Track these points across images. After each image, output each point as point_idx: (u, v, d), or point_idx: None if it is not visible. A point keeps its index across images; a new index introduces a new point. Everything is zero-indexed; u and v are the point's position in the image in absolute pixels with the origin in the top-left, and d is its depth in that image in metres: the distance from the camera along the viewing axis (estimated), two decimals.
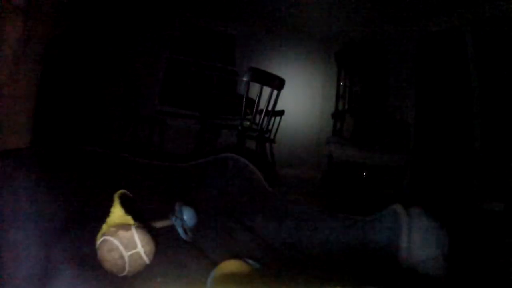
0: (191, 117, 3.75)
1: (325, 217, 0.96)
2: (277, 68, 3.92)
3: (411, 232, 0.75)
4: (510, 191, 2.44)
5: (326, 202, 2.55)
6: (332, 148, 3.26)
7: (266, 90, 2.34)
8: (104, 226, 0.73)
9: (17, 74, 1.29)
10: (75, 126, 2.95)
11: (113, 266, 0.66)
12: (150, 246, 0.71)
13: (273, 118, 2.64)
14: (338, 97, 3.70)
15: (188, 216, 1.03)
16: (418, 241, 0.75)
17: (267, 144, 2.80)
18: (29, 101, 1.41)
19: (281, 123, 2.96)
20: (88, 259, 0.72)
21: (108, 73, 3.79)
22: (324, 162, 3.70)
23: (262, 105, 2.41)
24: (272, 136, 2.81)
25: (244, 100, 2.26)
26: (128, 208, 0.77)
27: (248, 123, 2.41)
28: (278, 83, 2.37)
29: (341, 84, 3.79)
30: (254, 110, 2.40)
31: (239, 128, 2.34)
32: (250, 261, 0.74)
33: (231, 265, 0.70)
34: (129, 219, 0.74)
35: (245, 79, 2.26)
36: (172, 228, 0.98)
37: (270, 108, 2.40)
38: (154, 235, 0.76)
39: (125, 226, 0.70)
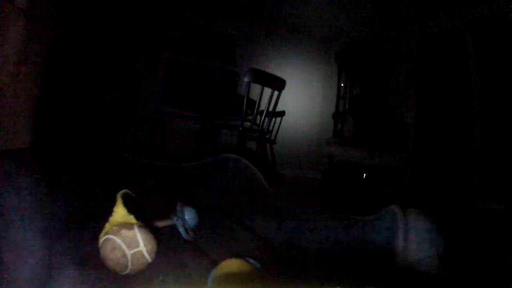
0: (192, 117, 3.75)
1: (324, 217, 0.96)
2: (277, 69, 3.92)
3: (408, 233, 0.77)
4: (510, 191, 2.45)
5: (326, 202, 2.56)
6: (333, 149, 3.27)
7: (267, 90, 2.34)
8: (107, 225, 0.74)
9: (18, 75, 1.29)
10: (76, 126, 2.96)
11: (116, 265, 0.67)
12: (152, 245, 0.72)
13: (273, 119, 2.64)
14: (338, 97, 3.70)
15: (189, 216, 1.04)
16: (414, 241, 0.77)
17: (268, 145, 2.80)
18: (30, 101, 1.41)
19: (281, 123, 2.96)
20: (89, 258, 0.73)
21: (108, 73, 3.80)
22: (325, 163, 3.70)
23: (263, 106, 2.41)
24: (272, 137, 2.81)
25: (245, 101, 2.26)
26: (130, 207, 0.77)
27: (249, 124, 2.41)
28: (278, 84, 2.37)
29: (342, 84, 3.79)
30: (255, 111, 2.41)
31: (240, 128, 2.34)
32: (251, 260, 0.74)
33: (231, 264, 0.70)
34: (131, 219, 0.74)
35: (245, 80, 2.27)
36: (173, 227, 0.99)
37: (270, 109, 2.40)
38: (156, 234, 0.76)
39: (127, 225, 0.71)
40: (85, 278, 0.67)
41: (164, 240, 0.86)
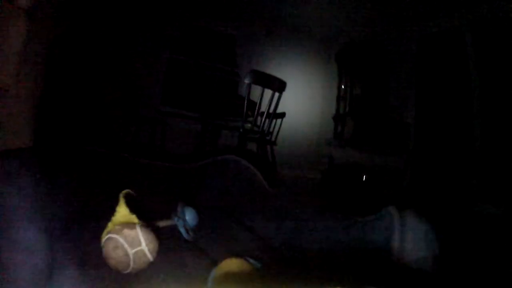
0: (192, 118, 3.76)
1: (324, 217, 0.97)
2: (277, 69, 3.93)
3: (404, 233, 0.79)
4: (509, 193, 2.45)
5: (326, 202, 2.56)
6: (333, 150, 3.28)
7: (267, 92, 2.35)
8: (109, 224, 0.75)
9: (19, 75, 1.30)
10: (76, 126, 2.96)
11: (118, 263, 0.68)
12: (154, 244, 0.72)
13: (274, 120, 2.65)
14: (339, 99, 3.71)
15: (189, 216, 1.05)
16: (410, 241, 0.79)
17: (268, 146, 2.80)
18: (31, 101, 1.42)
19: (281, 124, 2.97)
20: (89, 258, 0.73)
21: (109, 73, 3.80)
22: (325, 163, 3.71)
23: (264, 107, 2.42)
24: (273, 138, 2.82)
25: (245, 102, 2.27)
26: (132, 207, 0.78)
27: (249, 125, 2.41)
28: (279, 86, 2.38)
29: (342, 86, 3.80)
30: (256, 112, 2.41)
31: (241, 130, 2.34)
32: (251, 260, 0.75)
33: (232, 264, 0.71)
34: (133, 218, 0.75)
35: (246, 81, 2.27)
36: (173, 227, 0.99)
37: (271, 110, 2.41)
38: (157, 234, 0.77)
39: (130, 225, 0.71)
40: (85, 278, 0.67)
41: (165, 240, 0.86)
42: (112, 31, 3.80)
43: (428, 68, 3.57)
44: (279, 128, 2.92)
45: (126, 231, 0.70)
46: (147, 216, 0.89)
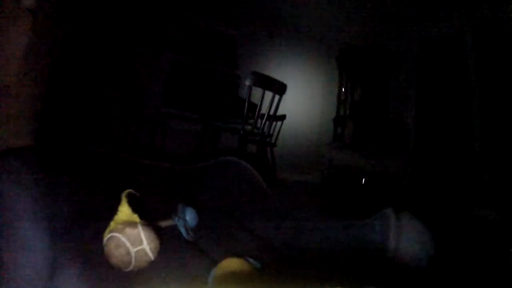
0: (193, 119, 3.77)
1: (323, 218, 0.98)
2: (278, 71, 3.94)
3: (399, 234, 0.81)
4: (508, 197, 2.46)
5: (325, 205, 2.57)
6: (333, 152, 3.29)
7: (268, 94, 2.36)
8: (112, 223, 0.76)
9: (24, 75, 1.31)
10: (77, 126, 2.97)
11: (120, 262, 0.69)
12: (155, 244, 0.74)
13: (274, 123, 2.66)
14: (339, 101, 3.73)
15: (190, 216, 1.06)
16: (405, 242, 0.81)
17: (268, 148, 2.81)
18: (33, 101, 1.43)
19: (281, 127, 2.98)
20: (90, 258, 0.74)
21: (109, 73, 3.81)
22: (324, 166, 3.72)
23: (264, 109, 2.43)
24: (273, 140, 2.83)
25: (246, 104, 2.28)
26: (134, 207, 0.79)
27: (249, 127, 2.42)
28: (280, 88, 2.39)
29: (343, 89, 3.82)
30: (256, 114, 2.42)
31: (241, 132, 2.35)
32: (251, 260, 0.75)
33: (232, 263, 0.72)
34: (135, 217, 0.76)
35: (247, 83, 2.29)
36: (173, 227, 1.00)
37: (271, 112, 2.42)
38: (159, 233, 0.78)
39: (132, 224, 0.73)
40: (86, 277, 0.68)
41: (165, 239, 0.87)
42: (113, 31, 3.81)
43: (428, 70, 3.59)
44: (279, 130, 2.93)
45: (128, 230, 0.71)
46: (148, 216, 0.90)
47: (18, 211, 0.78)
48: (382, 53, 4.01)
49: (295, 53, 4.65)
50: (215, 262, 0.77)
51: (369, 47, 4.13)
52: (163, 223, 0.98)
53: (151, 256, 0.73)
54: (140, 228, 0.72)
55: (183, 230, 0.99)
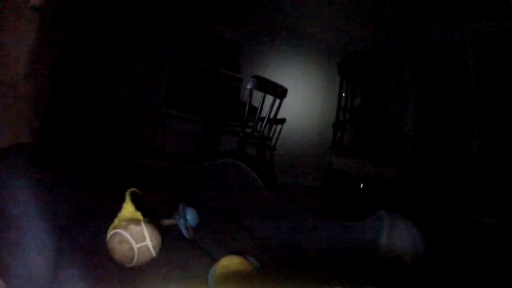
0: (193, 121, 3.78)
1: (321, 219, 1.00)
2: (278, 73, 3.98)
3: (391, 234, 0.84)
4: (504, 205, 2.48)
5: (324, 208, 2.58)
6: (332, 158, 3.31)
7: (269, 97, 2.38)
8: (116, 220, 0.78)
9: (30, 74, 1.32)
10: (79, 125, 2.98)
11: (123, 257, 0.70)
12: (157, 241, 0.75)
13: (274, 126, 2.68)
14: (339, 107, 3.75)
15: (191, 216, 1.08)
16: (396, 240, 0.85)
17: (267, 151, 2.83)
18: (38, 100, 1.44)
19: (281, 130, 3.00)
20: (91, 257, 0.74)
21: (111, 73, 3.83)
22: (323, 170, 3.73)
23: (264, 113, 2.45)
24: (272, 144, 2.85)
25: (246, 107, 2.30)
26: (137, 205, 0.81)
27: (250, 130, 2.44)
28: (280, 92, 2.41)
29: (343, 94, 3.84)
30: (256, 118, 2.44)
31: (241, 134, 2.37)
32: (250, 259, 0.77)
33: (231, 261, 0.73)
34: (139, 215, 0.78)
35: (248, 87, 2.31)
36: (175, 226, 1.02)
37: (272, 116, 2.44)
38: (161, 231, 0.80)
39: (135, 221, 0.74)
40: (87, 276, 0.68)
41: (167, 237, 0.88)
42: (117, 32, 3.84)
43: (428, 78, 3.62)
44: (279, 134, 2.95)
45: (132, 227, 0.73)
46: (150, 214, 0.91)
47: (19, 211, 0.78)
48: (383, 59, 4.05)
49: (296, 56, 4.68)
50: (215, 261, 0.78)
51: (370, 53, 4.16)
52: (165, 222, 1.00)
53: (153, 252, 0.75)
54: (143, 225, 0.74)
55: (183, 229, 1.01)
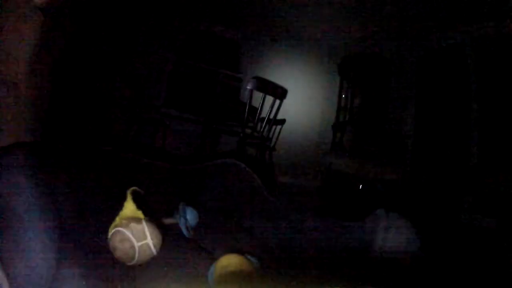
0: (194, 121, 3.79)
1: (320, 219, 1.00)
2: (278, 74, 3.99)
3: (387, 231, 0.85)
4: (503, 207, 2.49)
5: (323, 208, 2.59)
6: (332, 158, 3.31)
7: (269, 98, 2.39)
8: (117, 219, 0.78)
9: (32, 73, 1.32)
10: (79, 125, 2.98)
11: (124, 255, 0.70)
12: (158, 239, 0.76)
13: (274, 126, 2.68)
14: (339, 108, 3.75)
15: (191, 216, 1.08)
16: (391, 238, 0.85)
17: (267, 152, 2.84)
18: (42, 99, 1.44)
19: (281, 130, 3.00)
20: (92, 257, 0.74)
21: (112, 73, 3.84)
22: (323, 171, 3.73)
23: (264, 113, 2.46)
24: (272, 144, 2.85)
25: (246, 108, 2.30)
26: (139, 204, 0.81)
27: (249, 130, 2.45)
28: (280, 93, 2.42)
29: (343, 95, 3.85)
30: (256, 118, 2.45)
31: (241, 135, 2.38)
32: (250, 257, 0.77)
33: (231, 260, 0.73)
34: (140, 214, 0.78)
35: (248, 87, 2.31)
36: (176, 225, 1.02)
37: (272, 116, 2.45)
38: (161, 230, 0.80)
39: (136, 220, 0.75)
40: (87, 276, 0.69)
41: (167, 236, 0.88)
42: (117, 32, 3.85)
43: (428, 80, 3.63)
44: (279, 134, 2.95)
45: (133, 225, 0.73)
46: (151, 214, 0.92)
47: (18, 211, 0.77)
48: (383, 60, 4.05)
49: (296, 56, 4.69)
50: (215, 260, 0.78)
51: (370, 54, 4.17)
52: (166, 221, 1.00)
53: (154, 251, 0.75)
54: (144, 224, 0.74)
55: (184, 229, 1.01)
